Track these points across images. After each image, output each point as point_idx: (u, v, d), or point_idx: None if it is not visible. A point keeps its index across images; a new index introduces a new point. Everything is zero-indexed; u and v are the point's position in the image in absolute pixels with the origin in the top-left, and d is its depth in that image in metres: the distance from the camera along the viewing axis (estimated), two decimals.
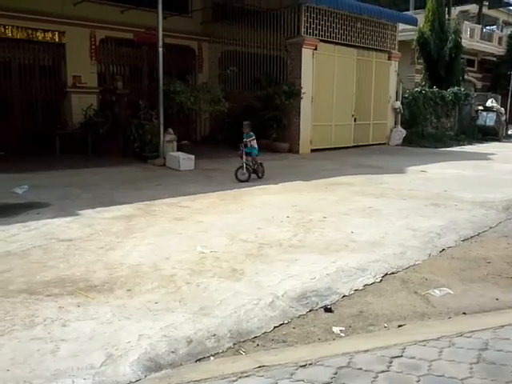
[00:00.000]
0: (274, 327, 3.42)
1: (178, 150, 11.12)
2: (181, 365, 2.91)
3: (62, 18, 12.24)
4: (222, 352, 3.09)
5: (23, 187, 7.58)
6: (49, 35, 12.58)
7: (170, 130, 11.09)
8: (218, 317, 3.45)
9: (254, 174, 9.20)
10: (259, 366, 2.79)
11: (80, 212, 6.36)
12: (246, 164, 9.02)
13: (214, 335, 3.22)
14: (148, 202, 7.05)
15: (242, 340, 3.23)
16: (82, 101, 12.43)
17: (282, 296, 3.84)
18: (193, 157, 10.41)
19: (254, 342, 3.24)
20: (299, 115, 13.22)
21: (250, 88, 14.40)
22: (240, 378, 2.66)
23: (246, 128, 9.45)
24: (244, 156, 9.02)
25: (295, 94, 12.86)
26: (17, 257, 4.59)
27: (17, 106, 12.43)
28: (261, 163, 9.39)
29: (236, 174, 8.96)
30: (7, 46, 12.16)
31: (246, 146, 9.13)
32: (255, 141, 9.29)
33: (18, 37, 12.14)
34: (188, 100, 11.29)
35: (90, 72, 13.08)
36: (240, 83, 15.05)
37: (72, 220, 5.98)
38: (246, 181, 8.86)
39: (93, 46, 13.22)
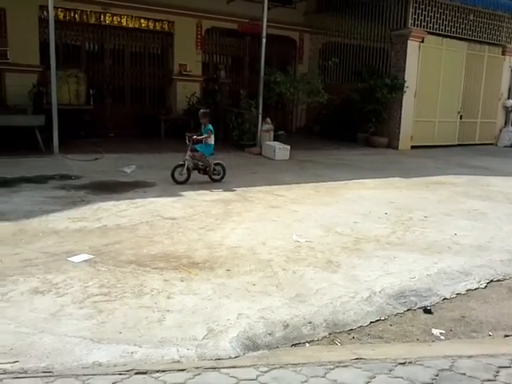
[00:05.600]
0: (371, 322, 3.37)
1: (275, 139, 11.23)
2: (277, 347, 2.97)
3: (172, 9, 12.80)
4: (318, 340, 3.10)
5: (131, 167, 8.10)
6: (159, 25, 13.23)
7: (268, 120, 11.23)
8: (314, 305, 3.47)
9: (206, 175, 7.60)
10: (356, 358, 2.78)
11: (183, 193, 6.69)
12: (188, 162, 7.30)
13: (310, 323, 3.24)
14: (245, 189, 7.22)
15: (338, 331, 3.22)
16: (186, 88, 12.99)
17: (380, 292, 3.78)
18: (288, 147, 10.47)
19: (349, 334, 3.22)
20: (401, 110, 12.73)
21: (350, 80, 14.13)
22: (337, 367, 2.66)
23: (203, 118, 7.56)
24: (188, 152, 7.30)
25: (398, 87, 12.40)
26: (126, 230, 4.94)
27: (127, 91, 13.27)
28: (218, 163, 7.67)
29: (173, 174, 7.20)
30: (121, 34, 12.99)
31: (195, 142, 7.39)
32: (213, 136, 7.56)
33: (131, 26, 12.91)
34: (288, 90, 11.33)
35: (195, 61, 13.57)
36: (340, 75, 14.83)
37: (175, 200, 6.31)
38: (184, 182, 7.24)
39: (199, 36, 13.69)
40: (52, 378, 2.42)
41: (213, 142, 7.58)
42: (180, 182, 7.24)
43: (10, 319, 3.03)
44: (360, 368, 2.66)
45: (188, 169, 7.30)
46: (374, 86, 12.45)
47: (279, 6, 13.81)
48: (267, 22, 10.86)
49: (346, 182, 8.16)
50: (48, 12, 9.02)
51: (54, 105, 8.89)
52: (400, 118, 12.81)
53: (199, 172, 7.53)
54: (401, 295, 3.77)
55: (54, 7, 9.25)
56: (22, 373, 2.49)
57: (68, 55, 12.18)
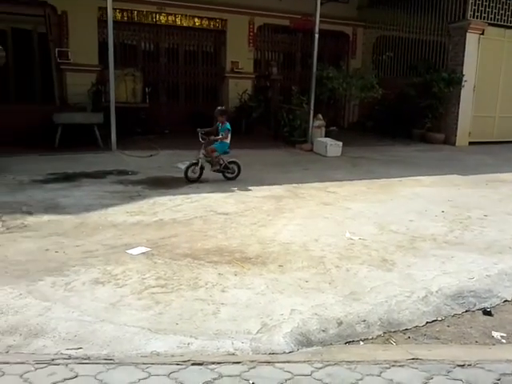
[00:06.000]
0: (427, 322, 3.30)
1: (326, 135, 11.11)
2: (331, 344, 2.95)
3: (225, 7, 12.92)
4: (372, 339, 3.07)
5: (185, 163, 8.20)
6: (212, 23, 13.41)
7: (320, 116, 11.13)
8: (369, 304, 3.43)
9: (220, 174, 7.38)
10: (412, 358, 2.73)
11: (235, 189, 6.78)
12: (202, 160, 7.13)
13: (364, 321, 3.21)
14: (296, 185, 7.22)
15: (392, 330, 3.18)
16: (238, 85, 13.06)
17: (436, 292, 3.69)
18: (340, 143, 10.34)
19: (404, 333, 3.16)
20: (458, 105, 12.26)
21: (405, 74, 13.76)
22: (393, 366, 2.62)
23: (220, 116, 7.34)
24: (202, 149, 7.12)
25: (456, 81, 11.95)
26: (181, 225, 5.06)
27: (181, 89, 13.53)
28: (234, 161, 7.41)
29: (186, 172, 7.06)
30: (176, 33, 13.26)
31: (211, 141, 7.17)
32: (229, 136, 7.32)
33: (185, 25, 13.15)
34: (340, 86, 11.18)
35: (247, 58, 13.63)
36: (394, 69, 14.47)
37: (228, 196, 6.40)
38: (196, 180, 7.07)
39: (251, 33, 13.75)
40: (113, 365, 2.53)
41: (229, 141, 7.33)
42: (192, 180, 7.05)
43: (73, 307, 3.19)
44: (416, 368, 2.61)
45: (201, 167, 7.13)
46: (431, 80, 12.07)
47: (332, 0, 13.63)
48: (320, 17, 10.75)
49: (400, 179, 7.97)
50: (107, 13, 9.34)
51: (112, 103, 9.20)
52: (457, 113, 12.34)
53: (214, 170, 7.31)
54: (459, 296, 3.67)
55: (113, 8, 9.54)
56: (85, 359, 2.61)
57: (125, 54, 12.56)
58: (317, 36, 10.69)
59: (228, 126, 7.30)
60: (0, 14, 11.05)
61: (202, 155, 7.13)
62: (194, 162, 7.10)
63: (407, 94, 12.62)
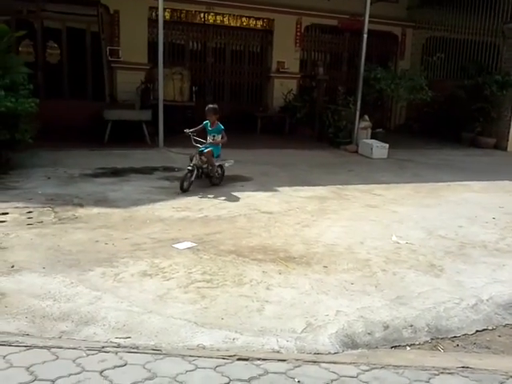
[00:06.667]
0: (476, 331, 3.22)
1: (372, 137, 10.93)
2: (376, 348, 2.91)
3: (273, 6, 12.93)
4: (419, 344, 3.01)
5: (229, 161, 8.29)
6: (259, 23, 13.45)
7: (366, 117, 10.96)
8: (416, 309, 3.35)
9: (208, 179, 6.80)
10: (462, 367, 2.64)
11: (278, 189, 6.77)
12: (198, 166, 6.48)
13: (411, 326, 3.15)
14: (340, 186, 7.14)
15: (440, 337, 3.11)
16: (283, 85, 13.05)
17: (487, 300, 3.57)
18: (387, 145, 10.15)
19: (453, 341, 3.09)
20: (511, 109, 11.85)
21: (456, 76, 13.37)
22: (442, 373, 2.55)
23: (213, 115, 6.65)
24: (197, 155, 6.44)
25: (509, 84, 11.49)
26: (226, 222, 5.11)
27: (227, 88, 13.65)
28: (220, 165, 6.86)
29: (182, 182, 6.27)
30: (223, 33, 13.36)
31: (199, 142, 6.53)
32: (224, 137, 6.79)
33: (233, 25, 13.25)
34: (388, 87, 10.98)
35: (293, 58, 13.58)
36: (444, 71, 14.07)
37: (272, 195, 6.40)
38: (188, 189, 6.31)
39: (298, 33, 13.69)
40: (161, 356, 2.57)
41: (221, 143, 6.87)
42: (185, 189, 6.28)
43: (122, 298, 3.27)
44: (467, 377, 2.53)
45: (196, 175, 6.51)
46: (483, 82, 11.68)
47: (381, 0, 13.40)
48: (369, 17, 10.58)
49: (448, 183, 7.75)
50: (157, 13, 9.51)
51: (161, 101, 9.37)
52: (510, 117, 11.87)
53: (201, 176, 6.74)
54: (511, 305, 3.53)
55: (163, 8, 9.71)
56: (133, 348, 2.67)
57: (173, 53, 12.77)
58: (365, 36, 10.53)
59: (221, 126, 6.75)
60: (56, 13, 11.49)
61: (196, 161, 6.45)
62: (190, 168, 6.38)
63: (457, 96, 12.26)
